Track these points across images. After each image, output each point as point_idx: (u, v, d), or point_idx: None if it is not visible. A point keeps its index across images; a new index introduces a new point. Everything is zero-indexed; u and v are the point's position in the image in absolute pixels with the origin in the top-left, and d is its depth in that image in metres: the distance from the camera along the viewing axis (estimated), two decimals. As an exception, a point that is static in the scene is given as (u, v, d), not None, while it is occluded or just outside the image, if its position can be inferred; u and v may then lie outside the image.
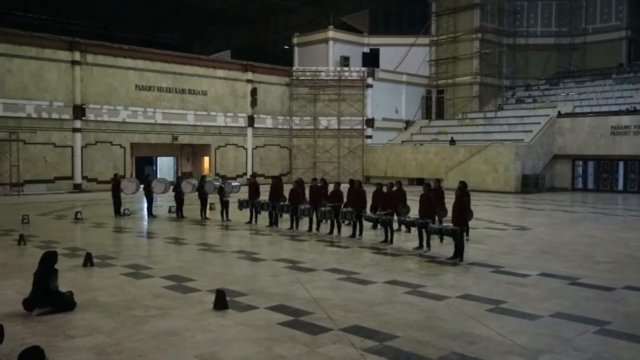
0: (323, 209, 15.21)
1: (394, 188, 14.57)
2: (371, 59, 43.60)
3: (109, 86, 31.92)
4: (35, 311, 7.65)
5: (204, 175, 24.27)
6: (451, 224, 12.18)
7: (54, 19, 41.48)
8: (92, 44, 31.74)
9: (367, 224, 15.61)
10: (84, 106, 30.86)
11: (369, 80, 40.37)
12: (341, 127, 40.11)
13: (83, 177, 30.99)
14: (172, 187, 20.06)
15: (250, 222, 17.68)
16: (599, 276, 10.40)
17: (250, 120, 38.06)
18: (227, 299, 8.14)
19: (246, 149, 38.14)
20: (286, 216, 17.16)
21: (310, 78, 40.02)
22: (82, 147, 30.91)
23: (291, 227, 16.33)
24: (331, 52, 42.93)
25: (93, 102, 31.27)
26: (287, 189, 17.32)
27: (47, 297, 7.76)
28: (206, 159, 37.28)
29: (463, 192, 12.40)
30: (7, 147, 27.70)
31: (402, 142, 40.14)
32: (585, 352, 6.45)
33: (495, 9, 44.32)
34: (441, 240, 13.70)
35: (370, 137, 40.40)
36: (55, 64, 30.06)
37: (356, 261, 11.79)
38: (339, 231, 15.25)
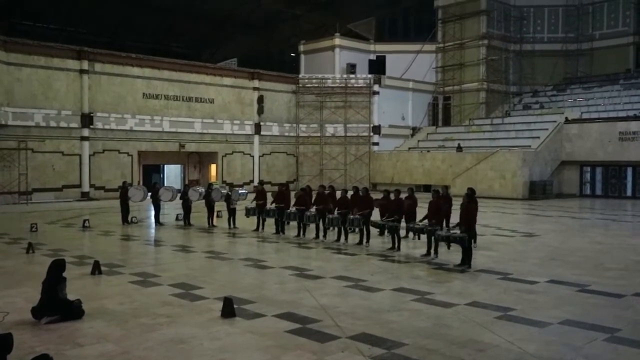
0: (330, 216, 15.22)
1: (401, 195, 14.56)
2: (377, 66, 43.72)
3: (117, 94, 32.11)
4: (44, 319, 7.67)
5: (211, 182, 24.33)
6: (459, 231, 12.15)
7: (62, 29, 41.85)
8: (100, 52, 31.96)
9: (374, 231, 15.58)
10: (92, 114, 31.03)
11: (376, 87, 40.42)
12: (348, 134, 40.14)
13: (91, 185, 31.11)
14: (179, 195, 20.11)
15: (257, 229, 17.68)
16: (608, 283, 10.32)
17: (257, 128, 38.16)
18: (235, 306, 8.14)
19: (253, 156, 38.22)
20: (293, 224, 17.16)
21: (316, 85, 40.11)
22: (90, 156, 31.06)
23: (298, 235, 16.33)
24: (337, 59, 43.07)
25: (101, 111, 31.45)
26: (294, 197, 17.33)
27: (56, 305, 7.79)
28: (213, 166, 37.39)
29: (470, 199, 12.36)
30: (16, 155, 27.87)
31: (409, 148, 40.10)
32: (595, 360, 6.40)
33: (502, 15, 44.36)
34: (448, 247, 13.63)
35: (377, 144, 40.39)
36: (64, 72, 30.28)
37: (364, 268, 11.76)
38: (346, 238, 15.23)
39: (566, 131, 33.57)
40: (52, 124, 29.84)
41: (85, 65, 30.83)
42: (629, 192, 32.20)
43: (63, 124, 30.20)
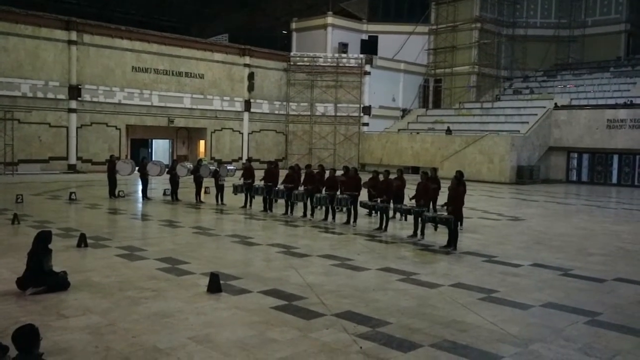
0: (318, 195, 15.24)
1: (391, 176, 14.59)
2: (369, 46, 43.46)
3: (106, 67, 31.72)
4: (29, 290, 7.65)
5: (200, 158, 24.23)
6: (446, 212, 12.23)
7: (50, -2, 41.03)
8: (89, 24, 31.48)
9: (362, 211, 15.64)
10: (79, 86, 30.66)
11: (367, 68, 40.26)
12: (338, 114, 40.05)
13: (78, 158, 30.88)
14: (167, 170, 20.02)
15: (244, 206, 17.69)
16: (590, 268, 10.47)
17: (247, 105, 37.94)
18: (221, 282, 8.17)
19: (242, 133, 38.06)
20: (281, 201, 17.18)
21: (308, 64, 39.85)
22: (77, 128, 30.77)
23: (286, 213, 16.35)
24: (329, 38, 42.73)
25: (89, 83, 31.09)
26: (282, 175, 17.30)
27: (41, 276, 7.76)
28: (202, 142, 37.19)
29: (459, 182, 12.42)
30: (2, 125, 27.49)
31: (399, 130, 40.10)
32: (575, 342, 6.51)
33: (496, -1, 44.17)
34: (435, 229, 13.72)
35: (367, 124, 40.36)
36: (52, 43, 29.81)
37: (350, 248, 11.83)
38: (333, 217, 15.28)
39: (555, 117, 33.72)
40: (39, 94, 29.46)
41: (73, 36, 30.37)
42: (614, 180, 32.53)
43: (50, 95, 29.82)
